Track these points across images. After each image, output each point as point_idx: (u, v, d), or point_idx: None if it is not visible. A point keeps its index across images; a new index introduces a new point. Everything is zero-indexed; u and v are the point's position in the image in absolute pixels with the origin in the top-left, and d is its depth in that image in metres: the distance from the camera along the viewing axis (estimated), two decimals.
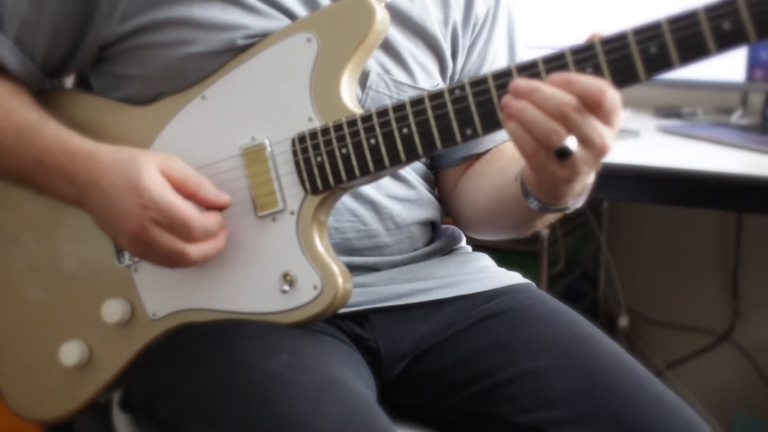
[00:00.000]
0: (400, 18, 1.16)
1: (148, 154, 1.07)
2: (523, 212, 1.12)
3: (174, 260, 1.05)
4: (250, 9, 1.09)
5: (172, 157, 1.07)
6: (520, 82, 0.93)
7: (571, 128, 0.91)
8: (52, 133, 1.09)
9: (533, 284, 1.29)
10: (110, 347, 1.16)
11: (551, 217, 1.16)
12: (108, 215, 1.05)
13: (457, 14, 1.22)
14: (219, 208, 1.06)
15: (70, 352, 1.16)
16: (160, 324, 1.13)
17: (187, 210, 1.03)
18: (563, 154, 0.92)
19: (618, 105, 0.92)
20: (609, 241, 2.53)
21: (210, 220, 1.05)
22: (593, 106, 0.91)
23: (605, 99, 0.90)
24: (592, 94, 0.90)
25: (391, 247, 1.20)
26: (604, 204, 2.49)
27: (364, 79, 1.14)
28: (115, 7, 1.09)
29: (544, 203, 1.06)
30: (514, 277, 1.28)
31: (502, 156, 1.24)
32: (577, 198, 1.06)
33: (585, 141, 0.92)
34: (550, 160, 0.94)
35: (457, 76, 1.26)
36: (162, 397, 1.08)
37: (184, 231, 1.03)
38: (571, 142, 0.92)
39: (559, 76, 0.92)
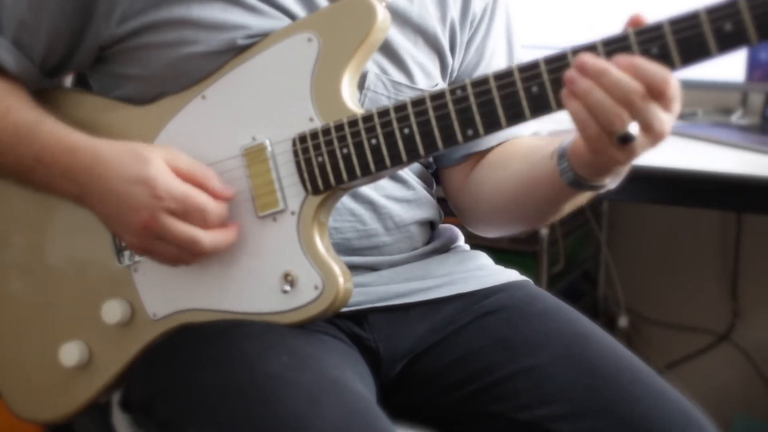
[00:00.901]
0: (400, 18, 1.16)
1: (153, 146, 1.08)
2: (554, 192, 1.10)
3: (185, 248, 1.04)
4: (251, 9, 1.09)
5: (176, 150, 1.07)
6: (589, 60, 0.92)
7: (635, 114, 0.91)
8: (50, 130, 1.09)
9: (531, 281, 1.29)
10: (110, 348, 1.15)
11: (581, 199, 1.14)
12: (114, 209, 1.05)
13: (454, 11, 1.22)
14: (224, 201, 1.06)
15: (70, 353, 1.16)
16: (161, 324, 1.13)
17: (202, 196, 1.03)
18: (626, 139, 0.92)
19: (678, 93, 0.92)
20: (609, 241, 2.53)
21: (223, 207, 1.05)
22: (657, 94, 0.91)
23: (668, 88, 0.90)
24: (658, 82, 0.90)
25: (390, 246, 1.20)
26: (604, 204, 2.49)
27: (362, 80, 1.14)
28: (114, 8, 1.09)
29: (582, 178, 1.05)
30: (511, 275, 1.28)
31: (522, 144, 1.24)
32: (617, 178, 1.06)
33: (646, 127, 0.92)
34: (610, 144, 0.94)
35: (455, 73, 1.26)
36: (162, 397, 1.08)
37: (200, 216, 1.03)
38: (633, 128, 0.92)
39: (624, 59, 0.91)
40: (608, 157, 0.96)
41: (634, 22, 0.92)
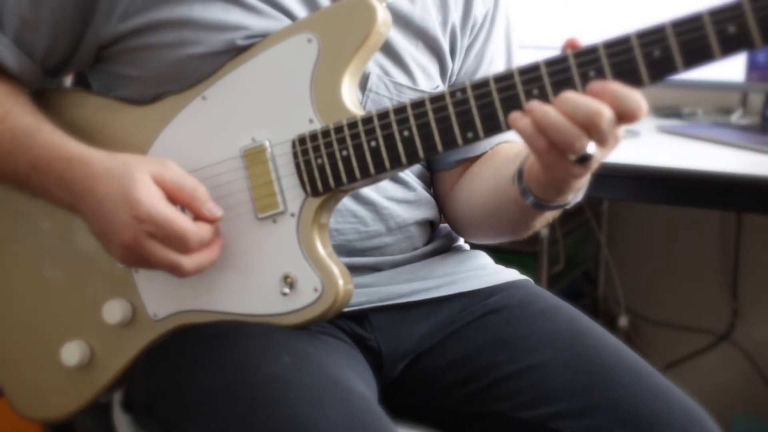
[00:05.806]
0: (402, 20, 1.16)
1: (141, 161, 1.05)
2: (521, 212, 1.11)
3: (169, 272, 1.04)
4: (252, 9, 1.09)
5: (166, 163, 1.05)
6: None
7: (597, 137, 0.91)
8: (46, 137, 1.08)
9: (531, 281, 1.29)
10: (112, 348, 1.16)
11: (550, 216, 1.16)
12: (102, 226, 1.04)
13: (455, 15, 1.22)
14: (210, 222, 1.05)
15: (72, 353, 1.16)
16: (161, 325, 1.13)
17: (182, 223, 1.02)
18: (584, 159, 0.92)
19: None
20: (609, 241, 2.53)
21: (205, 230, 1.04)
22: (627, 117, 0.90)
23: (641, 112, 0.90)
24: (633, 109, 0.89)
25: (391, 247, 1.20)
26: (604, 204, 2.49)
27: (364, 82, 1.14)
28: (115, 6, 1.09)
29: (543, 200, 1.05)
30: (512, 274, 1.28)
31: (497, 157, 1.24)
32: (577, 192, 1.06)
33: (604, 143, 0.92)
34: (562, 159, 0.93)
35: (454, 77, 1.26)
36: (163, 397, 1.08)
37: (179, 243, 1.02)
38: (591, 147, 0.92)
39: (599, 85, 0.90)
40: (563, 172, 0.96)
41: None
